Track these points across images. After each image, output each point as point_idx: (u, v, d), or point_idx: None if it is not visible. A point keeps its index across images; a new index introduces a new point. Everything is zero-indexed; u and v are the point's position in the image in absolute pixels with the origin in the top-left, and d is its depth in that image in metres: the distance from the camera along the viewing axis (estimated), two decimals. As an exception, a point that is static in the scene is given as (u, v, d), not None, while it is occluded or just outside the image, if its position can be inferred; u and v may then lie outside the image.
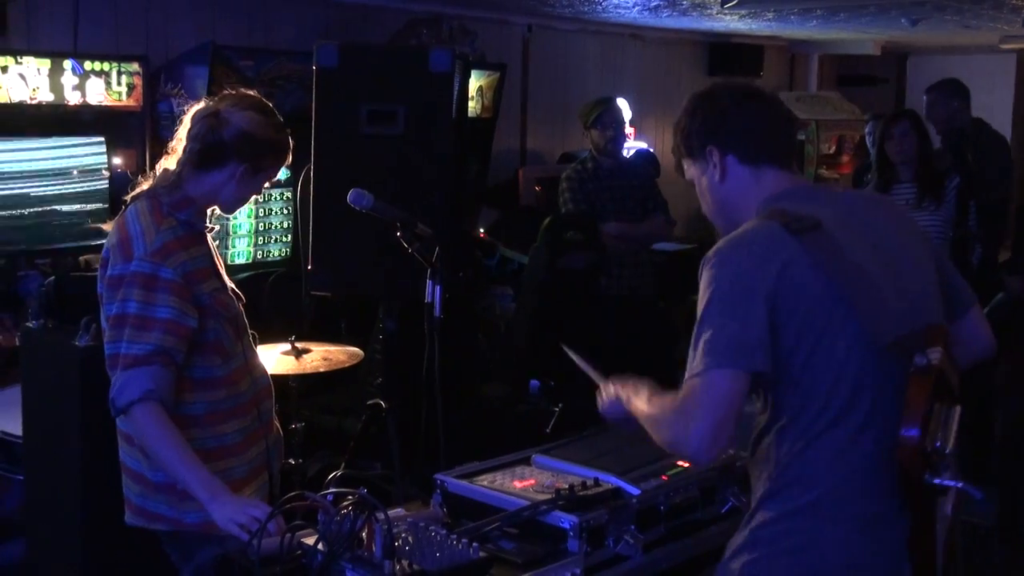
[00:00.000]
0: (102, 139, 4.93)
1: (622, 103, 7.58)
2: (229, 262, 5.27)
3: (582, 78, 8.24)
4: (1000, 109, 8.70)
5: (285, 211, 5.53)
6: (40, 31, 5.17)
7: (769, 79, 10.02)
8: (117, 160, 4.99)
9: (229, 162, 2.65)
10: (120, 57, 5.00)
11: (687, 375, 1.96)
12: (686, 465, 2.59)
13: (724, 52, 9.41)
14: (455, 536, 2.13)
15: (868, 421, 1.99)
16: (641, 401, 2.17)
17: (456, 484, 2.53)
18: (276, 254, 5.57)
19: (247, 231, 5.44)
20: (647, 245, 5.69)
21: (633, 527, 2.37)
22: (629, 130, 8.27)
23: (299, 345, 3.97)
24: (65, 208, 4.83)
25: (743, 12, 7.21)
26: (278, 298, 5.13)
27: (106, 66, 4.88)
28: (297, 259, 5.05)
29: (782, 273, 1.96)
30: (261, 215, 5.46)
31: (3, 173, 4.62)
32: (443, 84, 4.22)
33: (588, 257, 5.27)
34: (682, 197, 5.80)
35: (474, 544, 2.10)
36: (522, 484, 2.50)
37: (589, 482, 2.46)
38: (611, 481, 2.47)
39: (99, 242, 2.73)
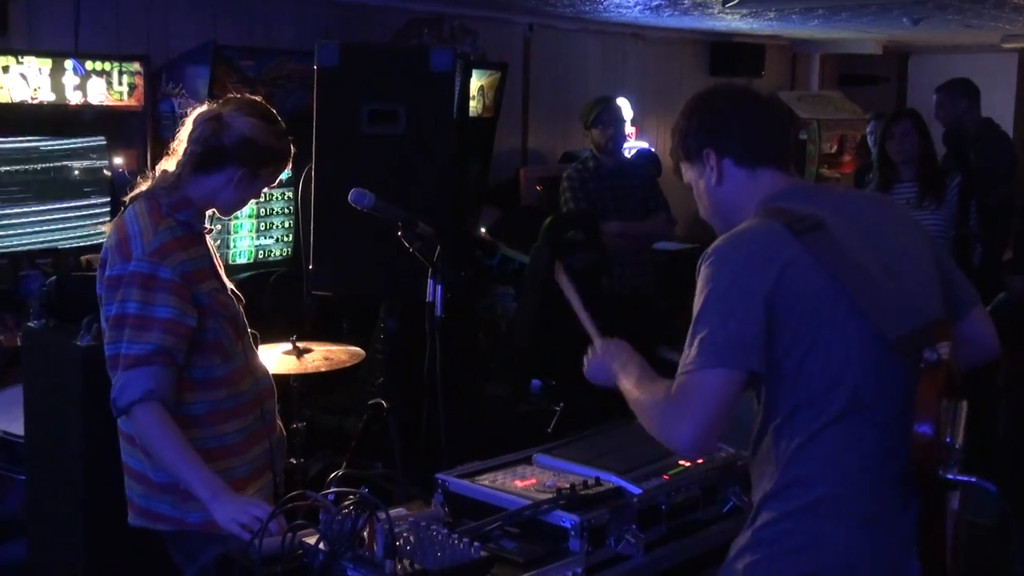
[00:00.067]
0: (103, 139, 4.93)
1: (623, 103, 7.59)
2: (230, 262, 5.28)
3: (583, 78, 8.23)
4: (1002, 108, 8.69)
5: (286, 211, 5.53)
6: (41, 31, 5.18)
7: (771, 79, 10.01)
8: (118, 160, 4.99)
9: (228, 166, 2.65)
10: (121, 57, 5.00)
11: (680, 370, 1.97)
12: (688, 464, 2.59)
13: (726, 52, 9.40)
14: (456, 535, 2.13)
15: (868, 420, 1.99)
16: (630, 381, 2.18)
17: (457, 483, 2.53)
18: (277, 254, 5.57)
19: (248, 231, 5.44)
20: (648, 244, 5.69)
21: (634, 526, 2.37)
22: (630, 129, 8.27)
23: (300, 345, 3.97)
24: (66, 208, 4.83)
25: (744, 11, 7.21)
26: (279, 298, 5.13)
27: (107, 66, 4.88)
28: (298, 259, 5.05)
29: (782, 273, 1.96)
30: (262, 215, 5.46)
31: (4, 173, 4.62)
32: (444, 84, 4.22)
33: (589, 257, 5.27)
34: (683, 197, 5.77)
35: (475, 543, 2.10)
36: (523, 483, 2.50)
37: (590, 481, 2.46)
38: (612, 480, 2.47)
39: (100, 242, 2.73)
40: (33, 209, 4.73)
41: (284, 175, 5.46)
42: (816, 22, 7.92)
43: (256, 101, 2.77)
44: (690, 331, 1.98)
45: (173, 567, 2.73)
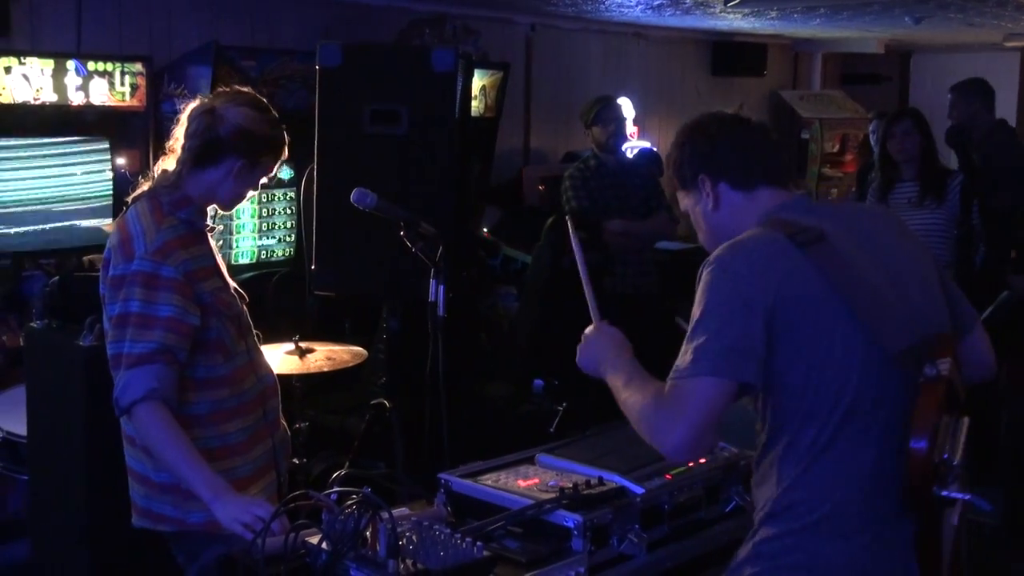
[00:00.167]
0: (106, 139, 4.94)
1: (625, 102, 7.59)
2: (233, 262, 5.28)
3: (585, 77, 8.23)
4: (1004, 107, 8.67)
5: (289, 211, 5.53)
6: (44, 32, 5.18)
7: (772, 78, 10.01)
8: (121, 160, 5.00)
9: (226, 158, 2.66)
10: (123, 57, 5.00)
11: (673, 375, 1.97)
12: (690, 464, 2.58)
13: (727, 51, 9.40)
14: (459, 535, 2.13)
15: (869, 436, 1.98)
16: (620, 379, 2.17)
17: (460, 483, 2.53)
18: (280, 254, 5.57)
19: (251, 231, 5.44)
20: (651, 243, 5.69)
21: (637, 526, 2.37)
22: (632, 129, 8.28)
23: (303, 345, 3.98)
24: (69, 208, 4.83)
25: (746, 11, 7.20)
26: (282, 298, 5.14)
27: (109, 66, 4.88)
28: (301, 259, 5.05)
29: (782, 285, 1.96)
30: (265, 215, 5.47)
31: (7, 173, 4.62)
32: (446, 84, 4.22)
33: (591, 257, 5.26)
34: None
35: (478, 543, 2.10)
36: (526, 483, 2.50)
37: (593, 481, 2.46)
38: (615, 480, 2.47)
39: (103, 242, 2.73)
40: (35, 209, 4.73)
41: (286, 175, 5.49)
42: (818, 21, 7.92)
43: (246, 91, 2.78)
44: (687, 337, 1.98)
45: (175, 568, 2.74)
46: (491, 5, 7.07)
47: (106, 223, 4.79)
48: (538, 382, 4.90)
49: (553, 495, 2.36)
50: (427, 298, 3.00)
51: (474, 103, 6.50)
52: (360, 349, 4.14)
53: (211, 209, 2.78)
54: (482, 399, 5.12)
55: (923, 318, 2.04)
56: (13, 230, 4.67)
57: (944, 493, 1.92)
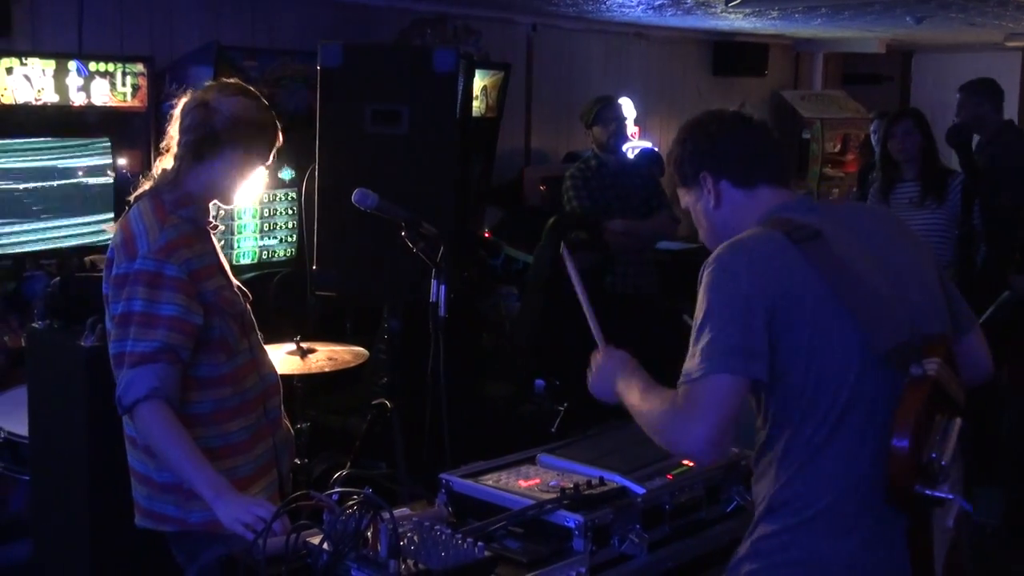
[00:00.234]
0: (107, 140, 4.94)
1: (626, 102, 7.59)
2: (234, 262, 5.28)
3: (586, 77, 8.23)
4: (1005, 107, 8.68)
5: (290, 211, 5.53)
6: (45, 32, 5.19)
7: (774, 78, 10.01)
8: (122, 161, 5.00)
9: (224, 149, 2.66)
10: (125, 58, 5.01)
11: (684, 379, 1.97)
12: (691, 464, 2.59)
13: (729, 51, 9.40)
14: (460, 535, 2.13)
15: (866, 434, 1.98)
16: (634, 395, 2.17)
17: (461, 483, 2.53)
18: (281, 254, 5.57)
19: (252, 231, 5.44)
20: (652, 242, 5.69)
21: (638, 526, 2.37)
22: (633, 129, 8.28)
23: (304, 345, 3.98)
24: (70, 209, 4.83)
25: (747, 11, 7.20)
26: (283, 298, 5.14)
27: (111, 67, 4.88)
28: (302, 259, 5.05)
29: (782, 284, 1.97)
30: (266, 215, 5.47)
31: (8, 174, 4.63)
32: (447, 84, 4.22)
33: (593, 257, 5.27)
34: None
35: (479, 543, 2.11)
36: (527, 483, 2.50)
37: (594, 481, 2.46)
38: (616, 480, 2.47)
39: (104, 242, 2.74)
40: (37, 210, 4.73)
41: (287, 175, 5.49)
42: (819, 21, 7.92)
43: (235, 82, 2.79)
44: (692, 338, 1.99)
45: (177, 568, 2.74)
46: (492, 5, 7.07)
47: (108, 224, 4.79)
48: (539, 382, 4.90)
49: (554, 495, 2.36)
50: (428, 298, 3.00)
51: (475, 103, 6.50)
52: (361, 349, 4.15)
53: (213, 207, 2.78)
54: (483, 399, 5.12)
55: (919, 318, 2.04)
56: (14, 230, 4.67)
57: (928, 492, 1.92)
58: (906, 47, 10.68)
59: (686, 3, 6.80)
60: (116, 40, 5.45)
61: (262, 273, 5.35)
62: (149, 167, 2.77)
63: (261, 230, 5.48)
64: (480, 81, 6.57)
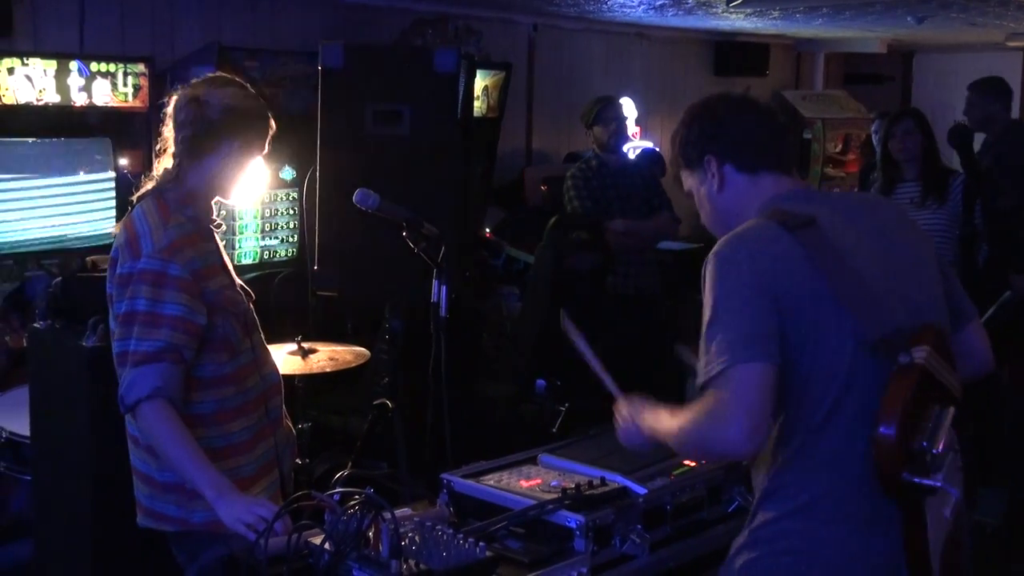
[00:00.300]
0: (108, 140, 4.94)
1: (628, 102, 7.59)
2: (235, 262, 5.27)
3: (587, 77, 8.23)
4: (1007, 106, 8.69)
5: (291, 211, 5.53)
6: (46, 32, 5.19)
7: (775, 78, 10.00)
8: (123, 161, 5.00)
9: (222, 142, 2.66)
10: (126, 58, 5.01)
11: (703, 381, 1.95)
12: (692, 464, 2.59)
13: (730, 51, 9.39)
14: (462, 535, 2.14)
15: (860, 422, 1.98)
16: (663, 423, 2.14)
17: (462, 483, 2.53)
18: (282, 254, 5.57)
19: (253, 231, 5.45)
20: (654, 243, 5.69)
21: (639, 526, 2.37)
22: (635, 129, 8.28)
23: (305, 345, 3.98)
24: (72, 209, 4.84)
25: (749, 11, 7.20)
26: (284, 298, 5.14)
27: (112, 67, 4.89)
28: (303, 259, 5.06)
29: (779, 268, 1.97)
30: (267, 215, 5.47)
31: (10, 174, 4.63)
32: (448, 84, 4.22)
33: (594, 257, 5.27)
34: (688, 196, 5.80)
35: (480, 543, 2.11)
36: (528, 483, 2.50)
37: (595, 481, 2.46)
38: (617, 480, 2.47)
39: (106, 243, 2.74)
40: (39, 210, 4.73)
41: (288, 175, 5.49)
42: (820, 21, 7.92)
43: (222, 74, 2.81)
44: (704, 338, 1.97)
45: (178, 568, 2.74)
46: (493, 5, 7.07)
47: (109, 224, 4.79)
48: (540, 382, 4.90)
49: (555, 495, 2.37)
50: (429, 298, 3.00)
51: (476, 103, 6.50)
52: (362, 350, 4.15)
53: (215, 206, 2.78)
54: (484, 399, 5.12)
55: (912, 308, 2.04)
56: (16, 230, 4.67)
57: (917, 480, 1.91)
58: (907, 47, 10.68)
59: (687, 3, 6.80)
60: (117, 40, 5.45)
61: (263, 273, 5.35)
62: (150, 167, 2.77)
63: (262, 230, 5.48)
64: (481, 81, 6.57)
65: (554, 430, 4.32)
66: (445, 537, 2.13)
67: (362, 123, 4.11)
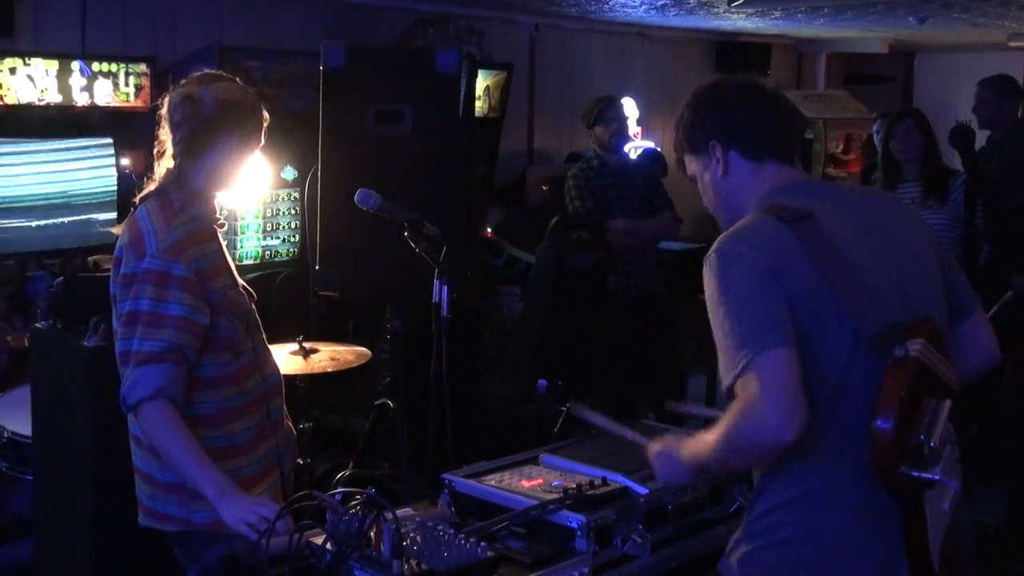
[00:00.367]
0: (110, 140, 4.95)
1: (629, 102, 7.58)
2: (237, 262, 5.26)
3: (589, 77, 8.24)
4: (1008, 106, 8.68)
5: (293, 211, 5.54)
6: (48, 32, 5.19)
7: (776, 77, 10.00)
8: (125, 161, 5.01)
9: (220, 136, 2.66)
10: (128, 58, 5.02)
11: (728, 382, 1.93)
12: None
13: (731, 51, 9.40)
14: (463, 535, 2.14)
15: (858, 414, 1.97)
16: (700, 438, 2.09)
17: (464, 484, 2.53)
18: (284, 254, 5.58)
19: (255, 231, 5.45)
20: (655, 242, 5.69)
21: (641, 526, 2.37)
22: (636, 129, 8.28)
23: (307, 345, 3.98)
24: (73, 208, 4.84)
25: (750, 11, 7.20)
26: (286, 298, 5.14)
27: (114, 67, 4.89)
28: (305, 259, 5.06)
29: (780, 261, 1.96)
30: (269, 215, 5.47)
31: (12, 174, 4.63)
32: (450, 84, 4.22)
33: (595, 257, 5.27)
34: (690, 196, 5.78)
35: (482, 543, 2.11)
36: (530, 483, 2.50)
37: (597, 481, 2.46)
38: (619, 480, 2.47)
39: (107, 243, 2.74)
40: (40, 210, 4.74)
41: (290, 175, 5.49)
42: (822, 21, 7.92)
43: (210, 72, 2.80)
44: (719, 339, 1.96)
45: (180, 568, 2.74)
46: (495, 5, 7.08)
47: (111, 224, 4.79)
48: (542, 382, 4.89)
49: (557, 495, 2.37)
50: (431, 298, 3.00)
51: (478, 103, 6.51)
52: (364, 349, 4.15)
53: (218, 205, 2.78)
54: (486, 399, 5.12)
55: (910, 302, 2.03)
56: (18, 230, 4.68)
57: (915, 474, 1.91)
58: (909, 47, 10.68)
59: (689, 3, 6.81)
60: (119, 40, 5.45)
61: (265, 273, 5.36)
62: (152, 167, 2.77)
63: (264, 230, 5.48)
64: (483, 81, 6.57)
65: (555, 430, 4.31)
66: (446, 537, 2.13)
67: (364, 123, 4.10)
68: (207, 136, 2.65)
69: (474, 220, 6.58)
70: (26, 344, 4.07)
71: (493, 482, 2.52)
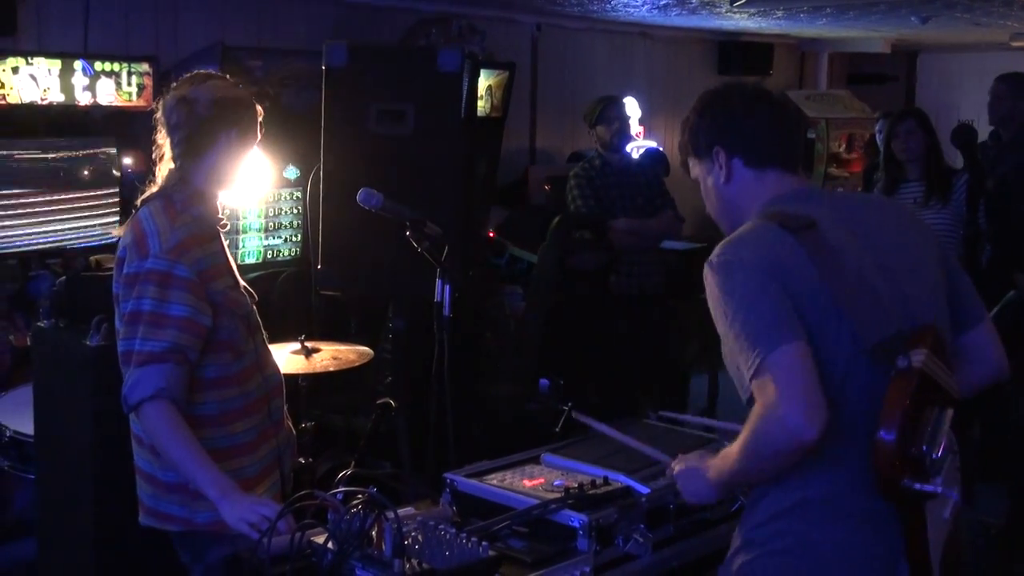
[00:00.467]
0: (112, 139, 4.95)
1: (631, 102, 7.58)
2: (239, 262, 5.28)
3: (591, 77, 8.23)
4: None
5: (295, 211, 5.54)
6: (50, 32, 5.20)
7: (779, 77, 10.00)
8: (127, 160, 5.01)
9: (219, 134, 2.67)
10: (130, 58, 5.02)
11: (748, 386, 1.92)
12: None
13: (734, 50, 9.40)
14: (465, 535, 2.14)
15: (857, 423, 1.96)
16: (724, 452, 2.07)
17: (465, 483, 2.53)
18: (286, 253, 5.58)
19: (257, 231, 5.45)
20: (657, 242, 5.69)
21: (642, 526, 2.37)
22: (638, 128, 8.27)
23: (309, 344, 3.98)
24: (76, 208, 4.84)
25: (753, 10, 7.20)
26: (288, 297, 5.14)
27: (116, 67, 4.89)
28: (307, 258, 5.06)
29: (782, 264, 1.96)
30: (271, 215, 5.47)
31: (14, 173, 4.63)
32: (452, 83, 4.22)
33: (597, 256, 5.27)
34: (692, 196, 5.77)
35: (484, 543, 2.11)
36: (531, 483, 2.50)
37: (599, 481, 2.46)
38: (620, 480, 2.47)
39: (110, 242, 2.75)
40: (43, 210, 4.74)
41: (292, 175, 5.49)
42: (824, 21, 7.91)
43: (201, 71, 2.81)
44: (729, 346, 1.96)
45: (181, 567, 2.74)
46: (497, 5, 7.08)
47: (113, 223, 4.80)
48: (543, 382, 4.89)
49: (558, 495, 2.37)
50: (433, 298, 3.00)
51: (480, 103, 6.51)
52: (366, 349, 4.15)
53: (220, 205, 2.78)
54: (487, 399, 5.12)
55: (912, 311, 2.02)
56: (19, 230, 4.68)
57: (918, 487, 1.90)
58: (911, 47, 10.67)
59: (691, 3, 6.80)
60: (121, 40, 5.46)
61: (267, 272, 5.36)
62: (154, 167, 2.78)
63: (266, 229, 5.49)
64: (485, 81, 6.57)
65: (557, 430, 4.31)
66: (448, 536, 2.13)
67: (366, 122, 4.11)
68: (205, 135, 2.66)
69: (476, 220, 6.57)
70: (28, 343, 4.07)
71: (495, 481, 2.52)
